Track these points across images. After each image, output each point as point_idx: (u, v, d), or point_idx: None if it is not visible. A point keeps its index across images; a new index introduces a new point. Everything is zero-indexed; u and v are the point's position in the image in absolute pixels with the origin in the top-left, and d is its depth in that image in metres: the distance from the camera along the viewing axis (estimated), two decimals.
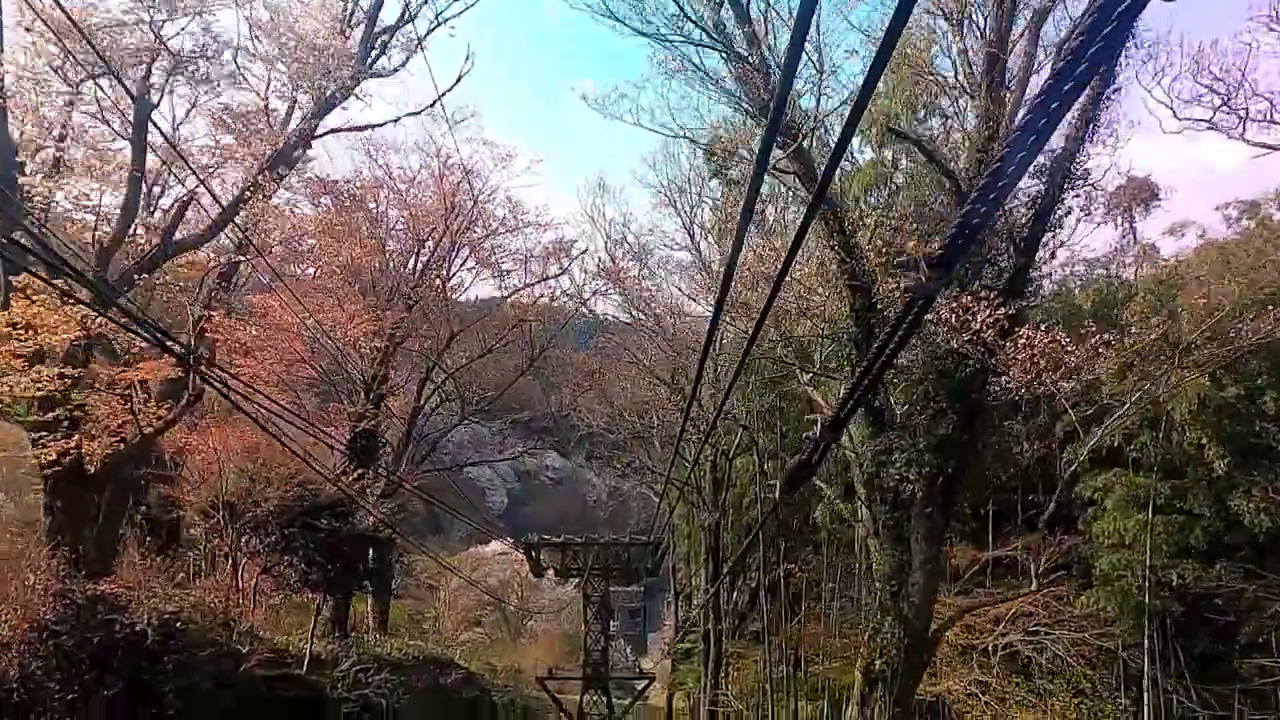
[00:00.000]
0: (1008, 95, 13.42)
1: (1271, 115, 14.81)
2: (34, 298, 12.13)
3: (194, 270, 17.97)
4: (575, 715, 21.37)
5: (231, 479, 17.56)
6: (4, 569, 13.14)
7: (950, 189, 13.84)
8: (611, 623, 24.54)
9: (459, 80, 19.44)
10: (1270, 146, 15.07)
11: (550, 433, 48.98)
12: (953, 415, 12.87)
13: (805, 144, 12.90)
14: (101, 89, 14.67)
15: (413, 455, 27.71)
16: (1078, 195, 13.29)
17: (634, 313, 31.17)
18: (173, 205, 16.59)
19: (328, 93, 16.61)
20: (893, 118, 19.80)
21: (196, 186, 15.44)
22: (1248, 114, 14.66)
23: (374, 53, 18.23)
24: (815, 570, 28.39)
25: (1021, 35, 13.86)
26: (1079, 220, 20.37)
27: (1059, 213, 13.12)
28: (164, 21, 14.33)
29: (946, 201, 17.71)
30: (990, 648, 20.73)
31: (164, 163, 16.23)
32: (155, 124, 14.57)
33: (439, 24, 18.55)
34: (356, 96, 18.07)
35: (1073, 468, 16.60)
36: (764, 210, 26.44)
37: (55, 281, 11.28)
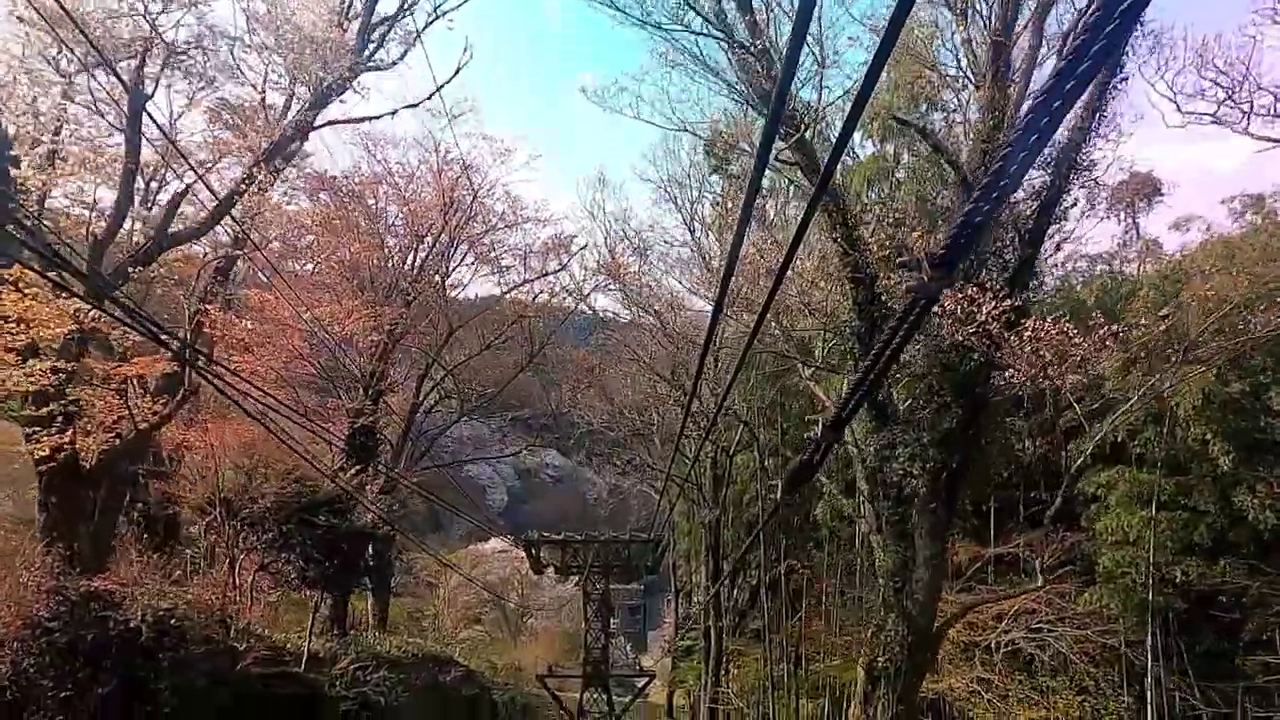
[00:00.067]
0: (1012, 87, 13.28)
1: (1276, 109, 14.63)
2: (26, 291, 11.98)
3: (190, 266, 17.84)
4: (575, 713, 21.26)
5: (229, 475, 17.45)
6: None
7: (955, 180, 13.69)
8: (612, 620, 24.41)
9: (457, 72, 19.30)
10: (1275, 140, 14.90)
11: (550, 430, 48.92)
12: (957, 409, 12.72)
13: (807, 135, 12.75)
14: (96, 80, 14.54)
15: (412, 452, 27.58)
16: (1083, 186, 13.14)
17: (634, 308, 31.06)
18: (170, 199, 16.45)
19: (325, 84, 16.46)
20: (894, 110, 19.65)
21: (195, 181, 15.34)
22: (1252, 108, 14.50)
23: (371, 45, 18.09)
24: (816, 567, 28.27)
25: (1025, 27, 13.73)
26: (1083, 214, 20.24)
27: (1064, 204, 12.97)
28: (159, 13, 14.19)
29: (949, 195, 17.60)
30: (993, 645, 20.60)
31: (161, 157, 16.10)
32: (150, 115, 14.41)
33: (437, 17, 18.42)
34: (354, 90, 17.91)
35: (1079, 462, 16.45)
36: (764, 205, 26.32)
37: (48, 274, 11.15)
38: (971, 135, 14.33)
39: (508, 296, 29.51)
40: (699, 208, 29.52)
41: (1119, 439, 20.57)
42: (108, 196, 15.00)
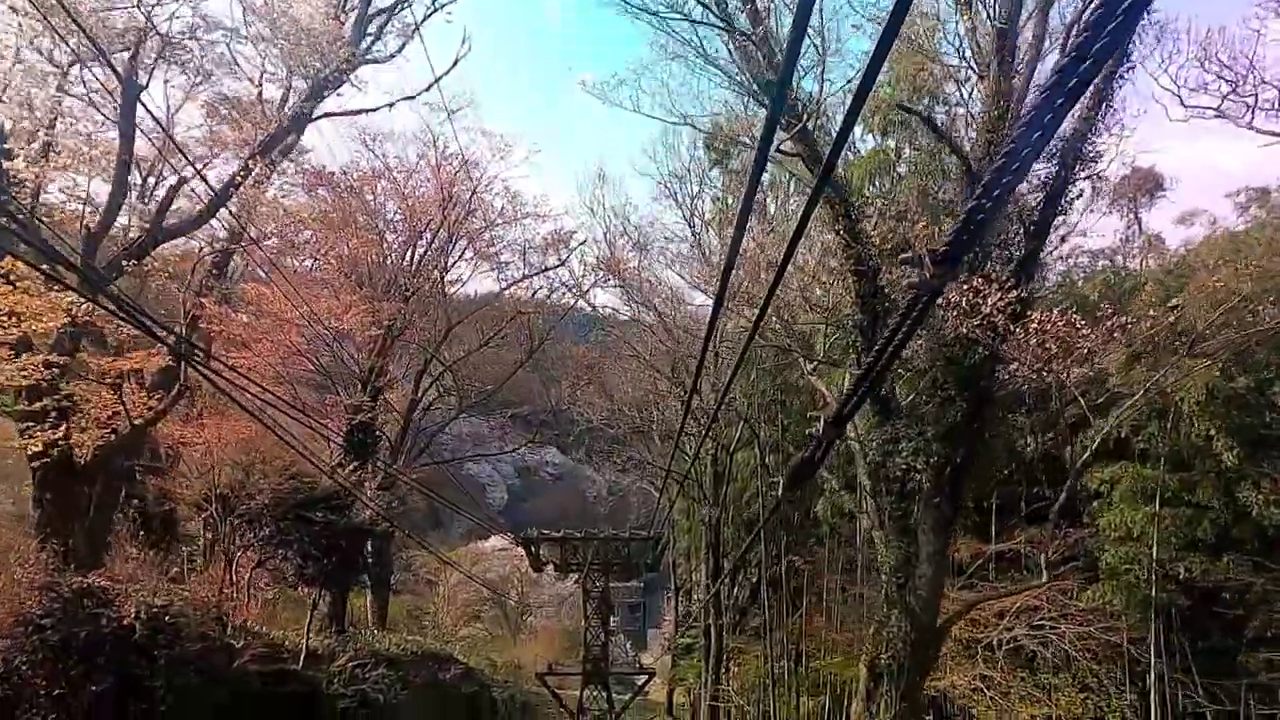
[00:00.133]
0: (1016, 78, 13.13)
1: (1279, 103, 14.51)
2: (18, 284, 11.83)
3: (187, 261, 17.70)
4: (575, 711, 21.17)
5: (226, 471, 17.31)
6: None
7: (959, 173, 13.55)
8: (611, 618, 24.34)
9: (455, 63, 19.16)
10: (1278, 134, 14.77)
11: (550, 427, 48.81)
12: (961, 403, 12.58)
13: (809, 125, 12.61)
14: (91, 73, 14.39)
15: (410, 449, 27.45)
16: (1088, 178, 12.99)
17: (634, 304, 30.94)
18: (165, 192, 16.29)
19: (322, 75, 16.30)
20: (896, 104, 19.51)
21: (192, 177, 15.19)
22: (1256, 101, 14.35)
23: (369, 38, 17.92)
24: (817, 563, 28.14)
25: (1029, 19, 13.59)
26: (1086, 208, 20.06)
27: (1069, 195, 12.83)
28: (153, 4, 14.03)
29: (951, 189, 17.45)
30: (995, 642, 20.48)
31: (159, 151, 15.94)
32: (146, 108, 14.25)
33: (435, 9, 18.25)
34: (352, 83, 17.78)
35: (1084, 457, 16.32)
36: (764, 200, 26.19)
37: (41, 268, 11.01)
38: (975, 127, 14.19)
39: (507, 293, 29.38)
40: (699, 203, 29.45)
41: (1122, 434, 20.44)
42: (102, 190, 14.86)
